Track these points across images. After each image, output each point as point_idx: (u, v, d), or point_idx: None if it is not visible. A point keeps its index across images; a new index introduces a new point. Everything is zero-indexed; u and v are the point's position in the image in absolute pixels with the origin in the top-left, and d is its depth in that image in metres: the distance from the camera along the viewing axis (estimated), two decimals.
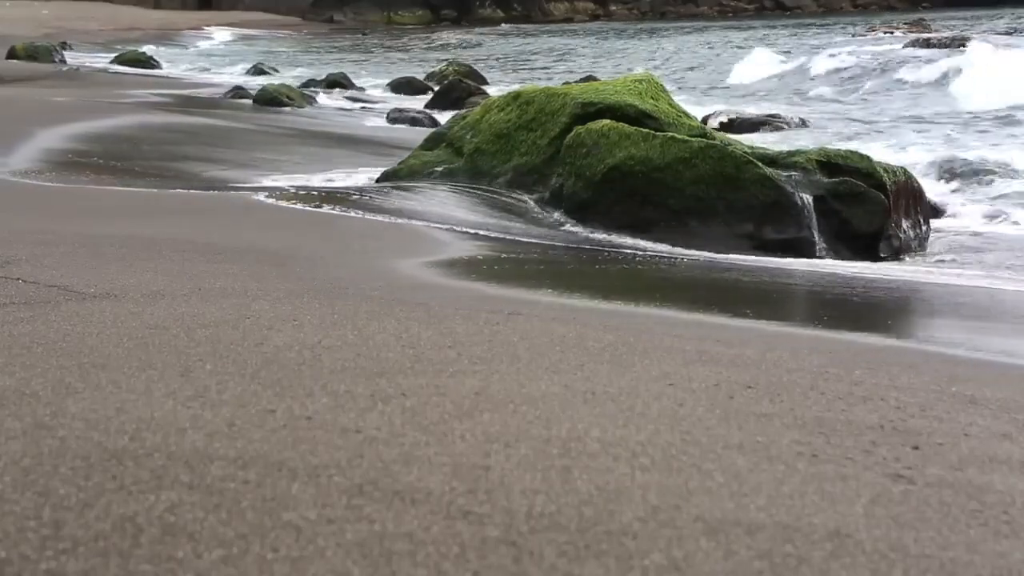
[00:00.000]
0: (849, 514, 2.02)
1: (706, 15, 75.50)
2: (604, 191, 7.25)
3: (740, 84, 23.40)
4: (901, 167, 7.75)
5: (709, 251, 6.64)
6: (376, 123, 15.64)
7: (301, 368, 2.78)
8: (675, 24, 63.14)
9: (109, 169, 8.53)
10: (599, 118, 7.67)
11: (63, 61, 26.57)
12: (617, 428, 2.42)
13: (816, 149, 7.74)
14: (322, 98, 19.35)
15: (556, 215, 7.43)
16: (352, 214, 6.49)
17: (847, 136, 14.23)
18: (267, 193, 7.09)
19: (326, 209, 6.57)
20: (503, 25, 68.06)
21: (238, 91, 18.65)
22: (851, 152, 7.55)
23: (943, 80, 19.10)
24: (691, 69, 28.69)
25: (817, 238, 6.95)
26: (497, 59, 35.80)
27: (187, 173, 8.93)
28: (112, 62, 27.87)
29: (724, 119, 14.82)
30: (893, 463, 2.32)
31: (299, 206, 6.63)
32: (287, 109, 16.74)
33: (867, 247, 7.03)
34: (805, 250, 6.84)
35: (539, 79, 25.78)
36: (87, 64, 27.18)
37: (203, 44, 46.66)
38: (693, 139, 7.31)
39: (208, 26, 59.40)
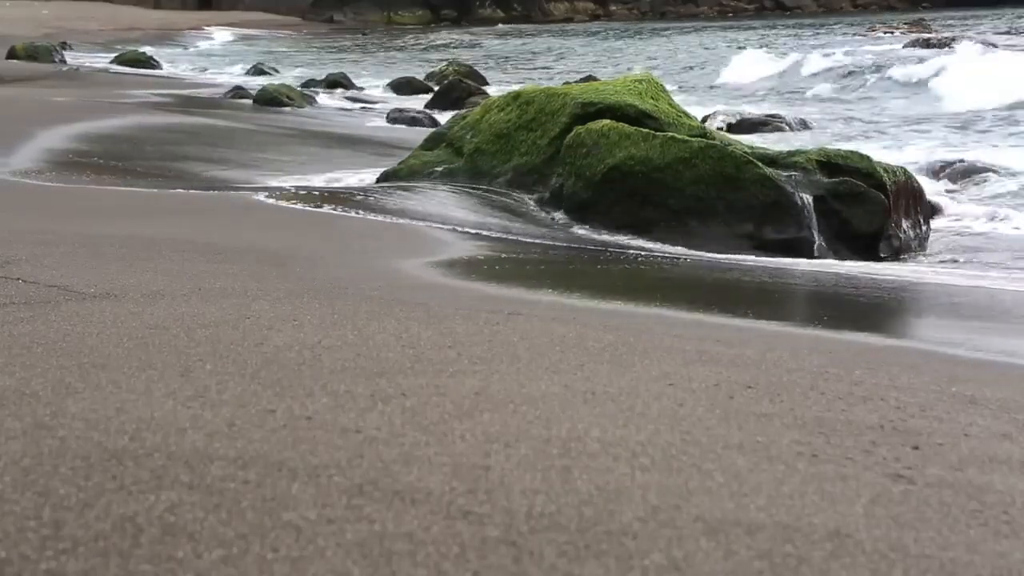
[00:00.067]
0: (849, 514, 2.02)
1: (706, 15, 75.49)
2: (604, 191, 7.25)
3: (732, 84, 23.37)
4: (901, 167, 7.76)
5: (709, 251, 6.64)
6: (376, 123, 15.64)
7: (301, 368, 2.78)
8: (675, 24, 63.12)
9: (109, 169, 8.54)
10: (599, 118, 7.68)
11: (63, 61, 26.57)
12: (617, 428, 2.42)
13: (816, 149, 7.75)
14: (322, 98, 19.35)
15: (556, 215, 7.43)
16: (352, 214, 6.49)
17: (846, 136, 14.24)
18: (267, 193, 7.09)
19: (326, 209, 6.57)
20: (503, 25, 68.07)
21: (238, 91, 18.65)
22: (851, 152, 7.55)
23: (938, 80, 19.08)
24: (690, 68, 28.69)
25: (817, 238, 6.95)
26: (497, 59, 35.79)
27: (187, 173, 8.93)
28: (112, 62, 27.87)
29: (731, 121, 14.80)
30: (893, 463, 2.32)
31: (299, 206, 6.63)
32: (287, 109, 16.75)
33: (867, 247, 7.03)
34: (805, 250, 6.84)
35: (539, 79, 25.78)
36: (87, 64, 27.18)
37: (203, 44, 46.65)
38: (693, 139, 7.31)
39: (208, 26, 59.39)
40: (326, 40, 52.38)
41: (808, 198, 7.02)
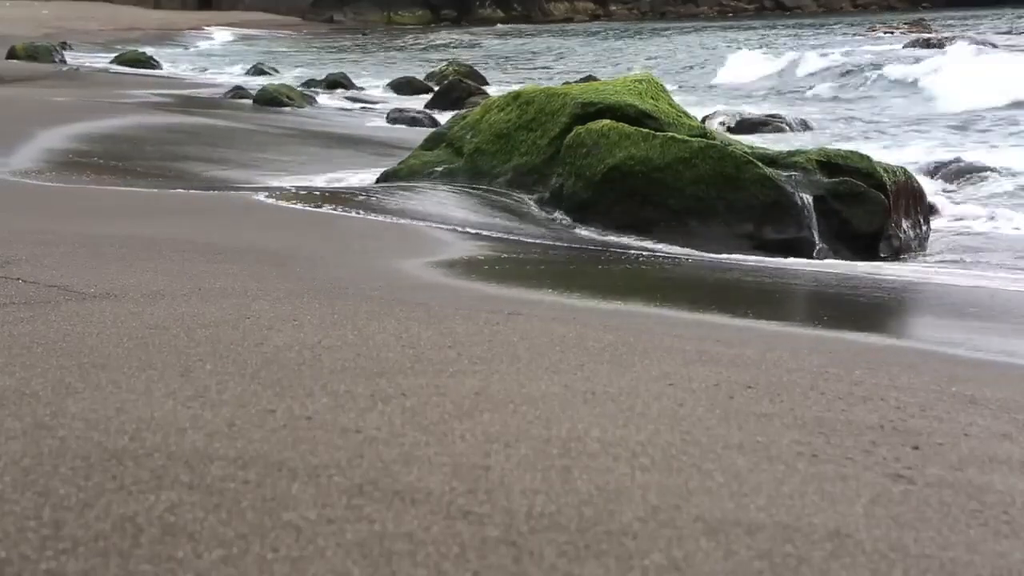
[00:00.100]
0: (849, 514, 2.02)
1: (706, 15, 75.51)
2: (604, 191, 7.25)
3: (730, 84, 23.36)
4: (901, 167, 7.76)
5: (709, 251, 6.64)
6: (376, 123, 15.64)
7: (301, 368, 2.78)
8: (675, 24, 63.13)
9: (109, 169, 8.54)
10: (599, 118, 7.68)
11: (63, 61, 26.57)
12: (617, 428, 2.42)
13: (816, 149, 7.75)
14: (322, 98, 19.36)
15: (556, 215, 7.43)
16: (352, 214, 6.49)
17: (846, 136, 14.24)
18: (267, 193, 7.09)
19: (326, 209, 6.57)
20: (503, 25, 68.07)
21: (238, 91, 18.66)
22: (851, 152, 7.55)
23: (937, 80, 19.08)
24: (690, 68, 28.70)
25: (817, 238, 6.95)
26: (497, 59, 35.79)
27: (188, 173, 8.94)
28: (112, 62, 27.88)
29: (731, 123, 14.79)
30: (893, 463, 2.32)
31: (299, 206, 6.63)
32: (287, 109, 16.75)
33: (867, 247, 7.03)
34: (805, 250, 6.84)
35: (539, 79, 25.78)
36: (87, 64, 27.18)
37: (203, 44, 46.65)
38: (693, 139, 7.31)
39: (208, 26, 59.40)
40: (326, 40, 52.39)
41: (808, 198, 7.02)
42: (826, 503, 2.06)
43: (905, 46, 28.43)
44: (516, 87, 10.48)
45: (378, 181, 8.56)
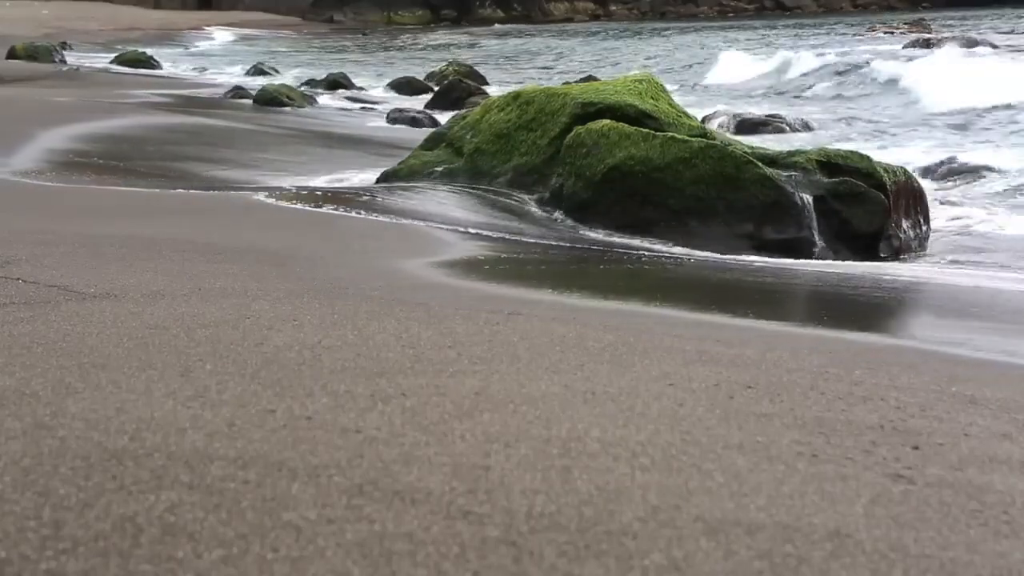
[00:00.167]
0: (849, 514, 2.02)
1: (706, 15, 75.55)
2: (604, 191, 7.25)
3: (729, 84, 23.34)
4: (901, 167, 7.75)
5: (709, 251, 6.64)
6: (376, 123, 15.64)
7: (301, 368, 2.78)
8: (675, 24, 63.15)
9: (110, 169, 8.54)
10: (599, 118, 7.67)
11: (63, 61, 26.58)
12: (617, 428, 2.42)
13: (816, 149, 7.75)
14: (322, 98, 19.36)
15: (556, 215, 7.43)
16: (352, 214, 6.49)
17: (846, 136, 14.24)
18: (267, 193, 7.09)
19: (326, 209, 6.57)
20: (503, 25, 68.07)
21: (238, 91, 18.66)
22: (851, 152, 7.55)
23: (935, 80, 19.08)
24: (689, 67, 28.70)
25: (817, 238, 6.95)
26: (497, 59, 35.79)
27: (188, 173, 8.94)
28: (112, 62, 27.88)
29: (731, 123, 14.78)
30: (893, 463, 2.32)
31: (299, 206, 6.63)
32: (287, 109, 16.76)
33: (867, 247, 7.03)
34: (805, 250, 6.84)
35: (539, 79, 25.78)
36: (87, 64, 27.18)
37: (203, 44, 46.66)
38: (693, 139, 7.31)
39: (208, 26, 59.42)
40: (326, 40, 52.40)
41: (808, 198, 7.02)
42: (826, 503, 2.06)
43: (905, 46, 28.42)
44: (516, 87, 10.48)
45: (378, 181, 8.56)
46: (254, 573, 1.67)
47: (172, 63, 30.87)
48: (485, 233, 6.39)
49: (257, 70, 26.90)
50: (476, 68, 25.44)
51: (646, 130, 7.42)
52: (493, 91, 18.08)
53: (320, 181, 8.77)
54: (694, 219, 7.02)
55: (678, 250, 6.69)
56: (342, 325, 3.30)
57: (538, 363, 2.97)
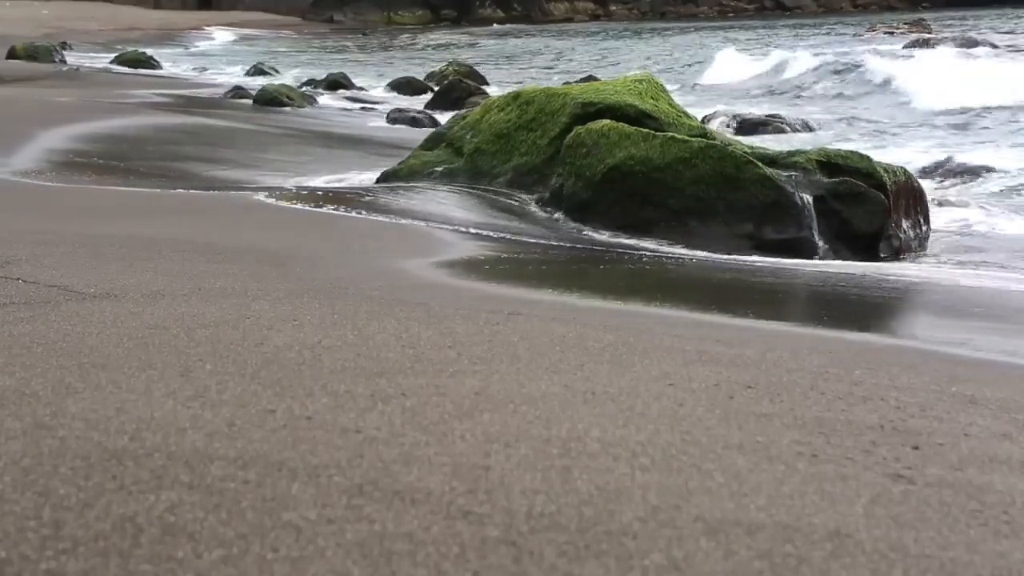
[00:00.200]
0: (849, 514, 2.02)
1: (706, 15, 75.55)
2: (604, 191, 7.25)
3: (728, 84, 23.33)
4: (901, 167, 7.75)
5: (709, 251, 6.64)
6: (376, 123, 15.64)
7: (301, 368, 2.78)
8: (675, 24, 63.16)
9: (110, 169, 8.54)
10: (599, 118, 7.67)
11: (63, 61, 26.57)
12: (617, 428, 2.42)
13: (816, 149, 7.74)
14: (322, 98, 19.36)
15: (556, 215, 7.43)
16: (352, 214, 6.49)
17: (846, 136, 14.24)
18: (267, 193, 7.09)
19: (326, 209, 6.57)
20: (503, 25, 68.08)
21: (238, 91, 18.66)
22: (851, 152, 7.54)
23: (934, 80, 19.08)
24: (689, 66, 28.70)
25: (817, 238, 6.95)
26: (497, 59, 35.79)
27: (188, 173, 8.94)
28: (112, 62, 27.88)
29: (732, 124, 14.78)
30: (893, 463, 2.32)
31: (299, 206, 6.63)
32: (287, 109, 16.75)
33: (867, 247, 7.03)
34: (805, 250, 6.84)
35: (539, 79, 25.78)
36: (87, 64, 27.18)
37: (203, 44, 46.66)
38: (693, 139, 7.30)
39: (208, 26, 59.42)
40: (326, 40, 52.39)
41: (808, 198, 7.02)
42: (826, 503, 2.06)
43: (905, 46, 28.41)
44: (516, 87, 10.48)
45: (378, 181, 8.56)
46: (254, 573, 1.67)
47: (172, 63, 30.86)
48: (485, 233, 6.40)
49: (257, 70, 26.90)
50: (476, 68, 25.43)
51: (646, 130, 7.42)
52: (493, 91, 18.09)
53: (320, 181, 8.77)
54: (694, 219, 7.02)
55: (678, 250, 6.69)
56: (342, 325, 3.31)
57: (538, 363, 2.97)
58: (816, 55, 25.18)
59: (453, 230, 6.30)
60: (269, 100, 17.10)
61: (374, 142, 12.66)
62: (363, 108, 18.39)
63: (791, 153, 7.52)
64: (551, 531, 1.86)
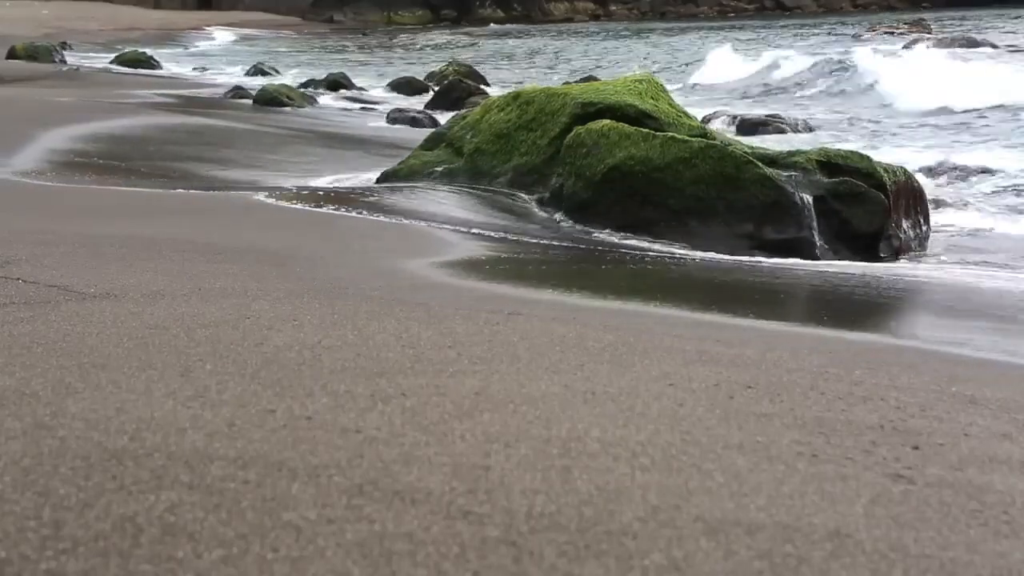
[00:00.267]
0: (849, 514, 2.02)
1: (706, 15, 75.57)
2: (604, 191, 7.25)
3: (727, 84, 23.30)
4: (901, 167, 7.75)
5: (709, 251, 6.64)
6: (376, 123, 15.64)
7: (301, 368, 2.78)
8: (675, 24, 63.17)
9: (110, 169, 8.54)
10: (599, 118, 7.67)
11: (63, 61, 26.58)
12: (617, 428, 2.42)
13: (816, 149, 7.74)
14: (322, 98, 19.36)
15: (556, 215, 7.43)
16: (352, 214, 6.49)
17: (845, 137, 14.25)
18: (267, 193, 7.09)
19: (326, 209, 6.57)
20: (503, 25, 68.09)
21: (238, 91, 18.66)
22: (851, 152, 7.54)
23: (933, 79, 19.05)
24: (688, 65, 28.70)
25: (817, 238, 6.95)
26: (497, 59, 35.80)
27: (188, 173, 8.94)
28: (112, 62, 27.88)
29: (733, 124, 14.78)
30: (893, 463, 2.32)
31: (299, 206, 6.63)
32: (287, 109, 16.75)
33: (867, 247, 7.03)
34: (805, 250, 6.84)
35: (539, 79, 25.78)
36: (87, 64, 27.19)
37: (203, 44, 46.66)
38: (693, 139, 7.31)
39: (208, 26, 59.43)
40: (326, 40, 52.40)
41: (808, 198, 7.02)
42: (826, 503, 2.06)
43: (905, 46, 28.40)
44: (516, 87, 10.48)
45: (378, 181, 8.56)
46: (254, 573, 1.67)
47: (172, 63, 30.86)
48: (485, 233, 6.40)
49: (257, 70, 26.90)
50: (476, 68, 25.43)
51: (646, 130, 7.42)
52: (493, 91, 18.08)
53: (320, 181, 8.77)
54: (694, 219, 7.02)
55: (678, 250, 6.69)
56: (342, 325, 3.31)
57: (538, 363, 2.97)
58: (813, 55, 25.15)
59: (453, 230, 6.30)
60: (269, 100, 17.10)
61: (374, 142, 12.66)
62: (363, 108, 18.39)
63: (791, 153, 7.52)
64: (551, 531, 1.86)
